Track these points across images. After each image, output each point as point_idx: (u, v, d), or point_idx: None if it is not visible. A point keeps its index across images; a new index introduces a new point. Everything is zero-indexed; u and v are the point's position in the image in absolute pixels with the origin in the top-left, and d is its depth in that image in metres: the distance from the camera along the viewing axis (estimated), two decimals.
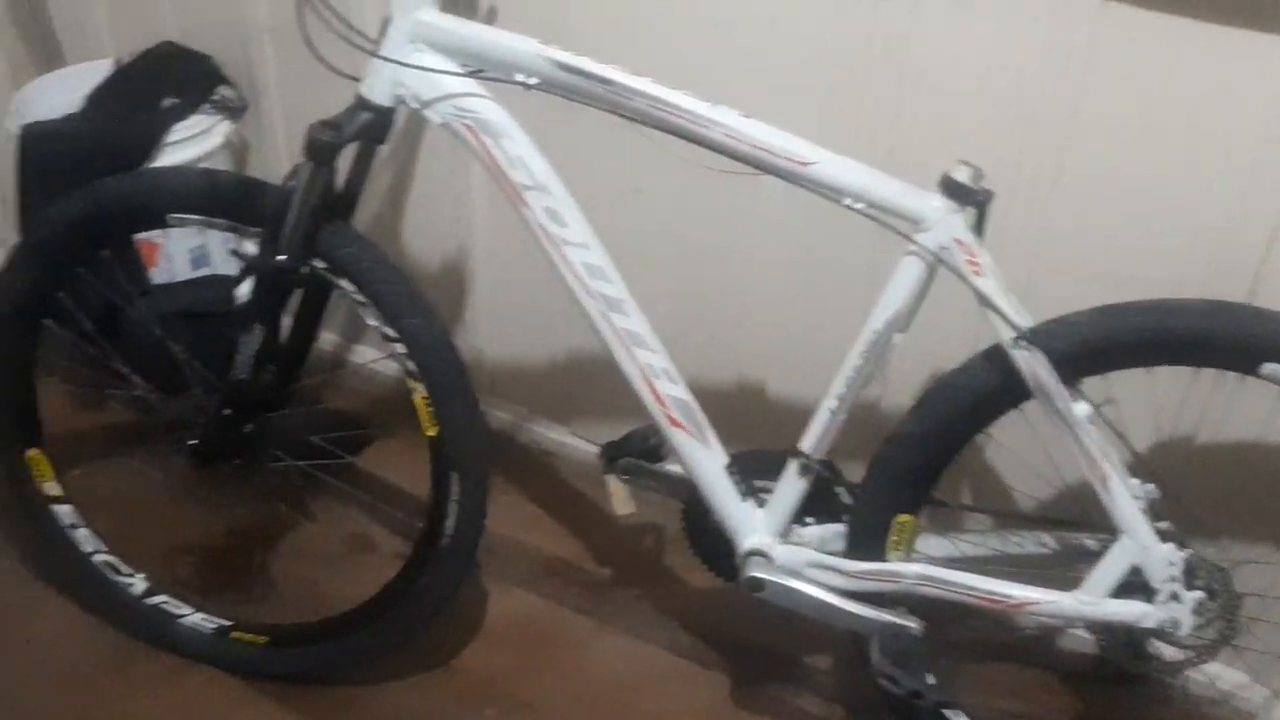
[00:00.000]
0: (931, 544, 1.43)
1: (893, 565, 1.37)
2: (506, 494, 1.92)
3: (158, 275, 1.84)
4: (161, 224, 1.40)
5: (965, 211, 1.22)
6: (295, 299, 1.43)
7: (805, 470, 1.36)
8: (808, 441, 1.36)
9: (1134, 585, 1.30)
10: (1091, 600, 1.31)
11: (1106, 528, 1.31)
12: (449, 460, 1.43)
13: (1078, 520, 1.38)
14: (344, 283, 1.38)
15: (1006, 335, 1.23)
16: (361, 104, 1.28)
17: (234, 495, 1.73)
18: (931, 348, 1.36)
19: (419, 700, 1.61)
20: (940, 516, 1.48)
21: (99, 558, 1.62)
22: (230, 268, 1.91)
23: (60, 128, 1.77)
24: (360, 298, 1.38)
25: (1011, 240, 1.35)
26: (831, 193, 1.23)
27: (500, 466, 1.80)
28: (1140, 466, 1.32)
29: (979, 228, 1.24)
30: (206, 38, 1.93)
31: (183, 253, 1.85)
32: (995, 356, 1.27)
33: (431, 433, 1.43)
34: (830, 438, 1.35)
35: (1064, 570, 1.42)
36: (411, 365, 1.40)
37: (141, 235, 1.72)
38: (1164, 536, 1.29)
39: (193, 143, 1.81)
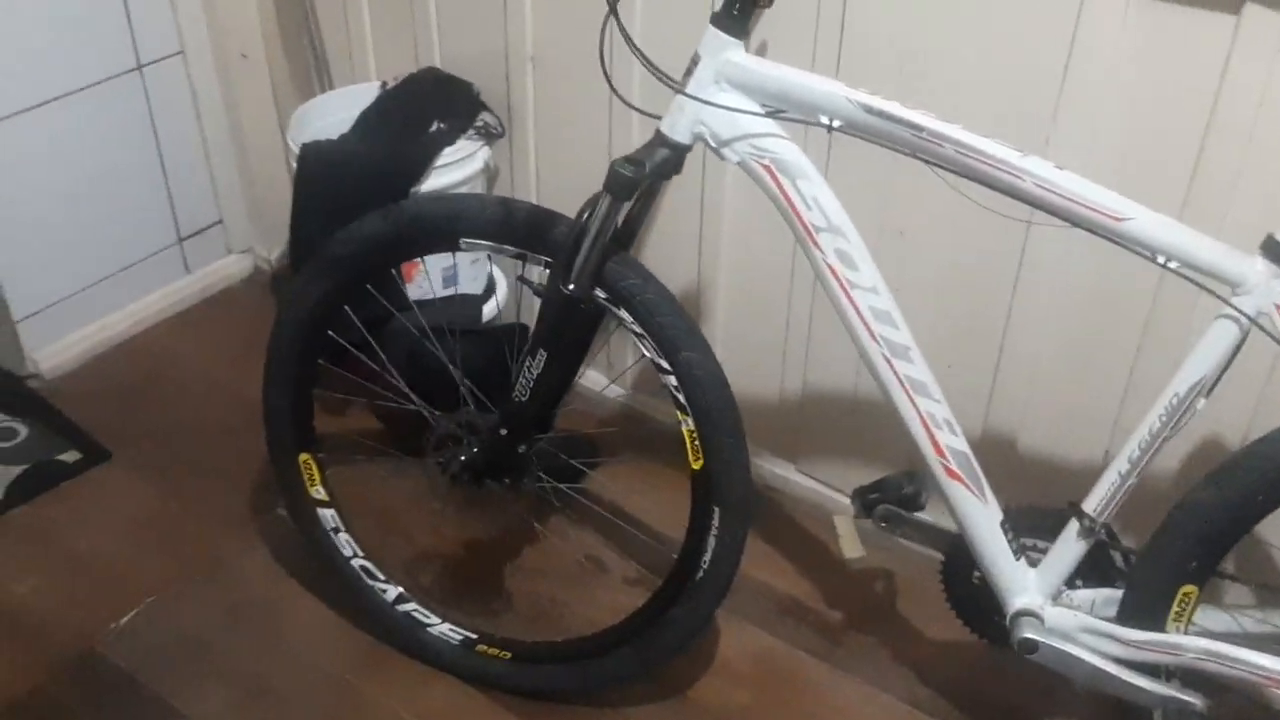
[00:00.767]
0: (1209, 617, 1.37)
1: (1176, 637, 1.31)
2: None
3: (413, 292, 1.89)
4: (455, 247, 1.44)
5: None
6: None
7: (1088, 532, 1.32)
8: (1092, 502, 1.31)
9: None
10: None
11: None
12: (713, 494, 1.43)
13: None
14: (623, 313, 1.40)
15: None
16: (661, 140, 1.30)
17: (484, 511, 1.77)
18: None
19: None
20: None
21: (357, 562, 1.68)
22: (476, 287, 1.99)
23: (338, 148, 1.85)
24: (637, 329, 1.40)
25: None
26: (1146, 250, 1.19)
27: None
28: None
29: None
30: (468, 65, 2.00)
31: (436, 272, 1.91)
32: None
33: (696, 465, 1.43)
34: (1118, 501, 1.30)
35: None
36: (681, 398, 1.41)
37: None
38: None
39: (457, 167, 1.88)
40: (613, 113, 1.85)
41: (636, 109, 1.35)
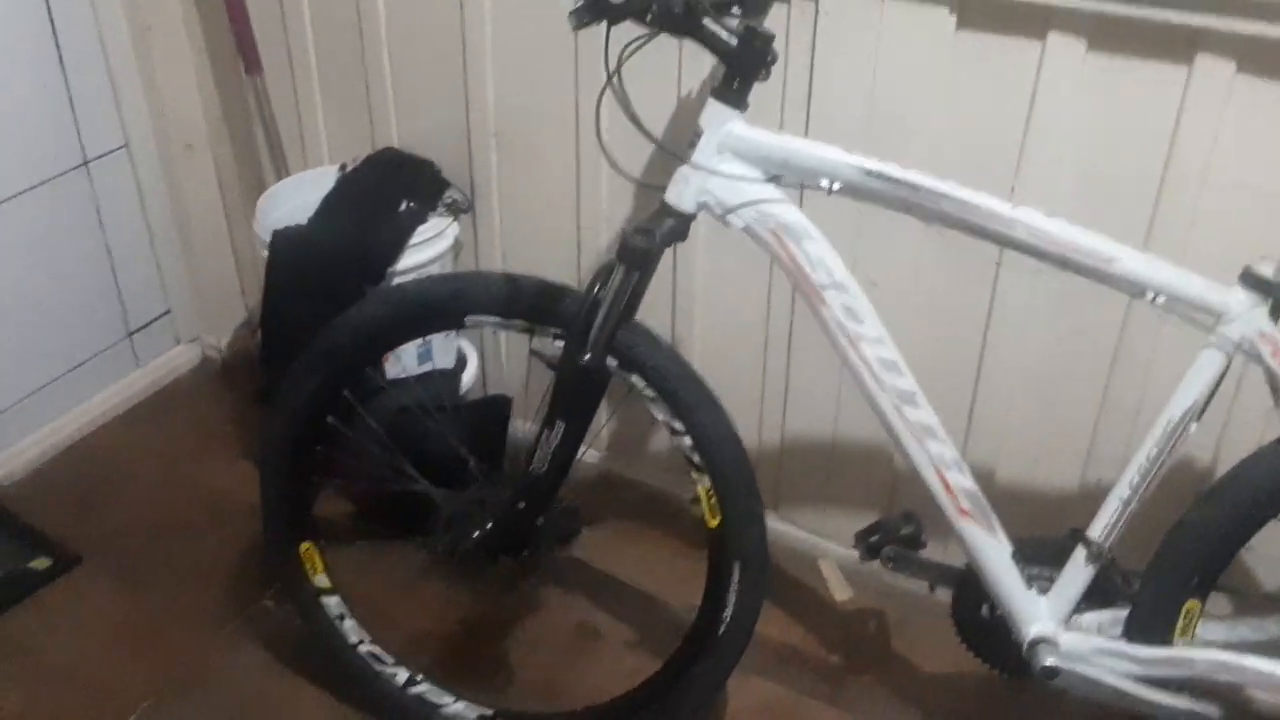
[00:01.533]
0: (1212, 629, 1.44)
1: (1186, 652, 1.38)
2: None
3: (390, 371, 1.89)
4: (460, 325, 1.46)
5: (1268, 304, 1.26)
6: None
7: (1094, 558, 1.38)
8: (1097, 528, 1.38)
9: None
10: None
11: None
12: (731, 550, 1.46)
13: None
14: (635, 378, 1.43)
15: None
16: (667, 210, 1.34)
17: (482, 586, 1.77)
18: None
19: None
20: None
21: (364, 648, 1.66)
22: (446, 362, 2.00)
23: (308, 233, 1.86)
24: (650, 393, 1.44)
25: None
26: (1134, 289, 1.27)
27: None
28: None
29: (1276, 320, 1.27)
30: (427, 142, 2.02)
31: (411, 349, 1.91)
32: None
33: (714, 523, 1.47)
34: (1121, 525, 1.37)
35: None
36: (696, 458, 1.44)
37: None
38: None
39: (428, 245, 1.89)
40: (580, 183, 1.90)
41: (647, 184, 1.39)
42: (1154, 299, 1.27)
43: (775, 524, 2.05)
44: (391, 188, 1.94)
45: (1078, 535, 1.40)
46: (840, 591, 1.97)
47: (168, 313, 2.40)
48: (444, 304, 1.46)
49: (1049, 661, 1.39)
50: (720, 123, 1.31)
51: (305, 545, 1.63)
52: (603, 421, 2.11)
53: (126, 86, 2.14)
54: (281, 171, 2.14)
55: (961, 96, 1.54)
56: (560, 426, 1.41)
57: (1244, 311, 1.26)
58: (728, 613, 1.48)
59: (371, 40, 1.97)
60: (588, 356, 1.36)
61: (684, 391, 1.42)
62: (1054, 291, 1.58)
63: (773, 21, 1.55)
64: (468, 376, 2.03)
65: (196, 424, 2.34)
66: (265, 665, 1.79)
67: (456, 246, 1.99)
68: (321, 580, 1.64)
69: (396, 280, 1.81)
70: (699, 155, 1.32)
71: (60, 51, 2.03)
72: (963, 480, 1.38)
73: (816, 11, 1.57)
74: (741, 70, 1.28)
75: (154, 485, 2.17)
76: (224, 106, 2.23)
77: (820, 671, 1.83)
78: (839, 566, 2.00)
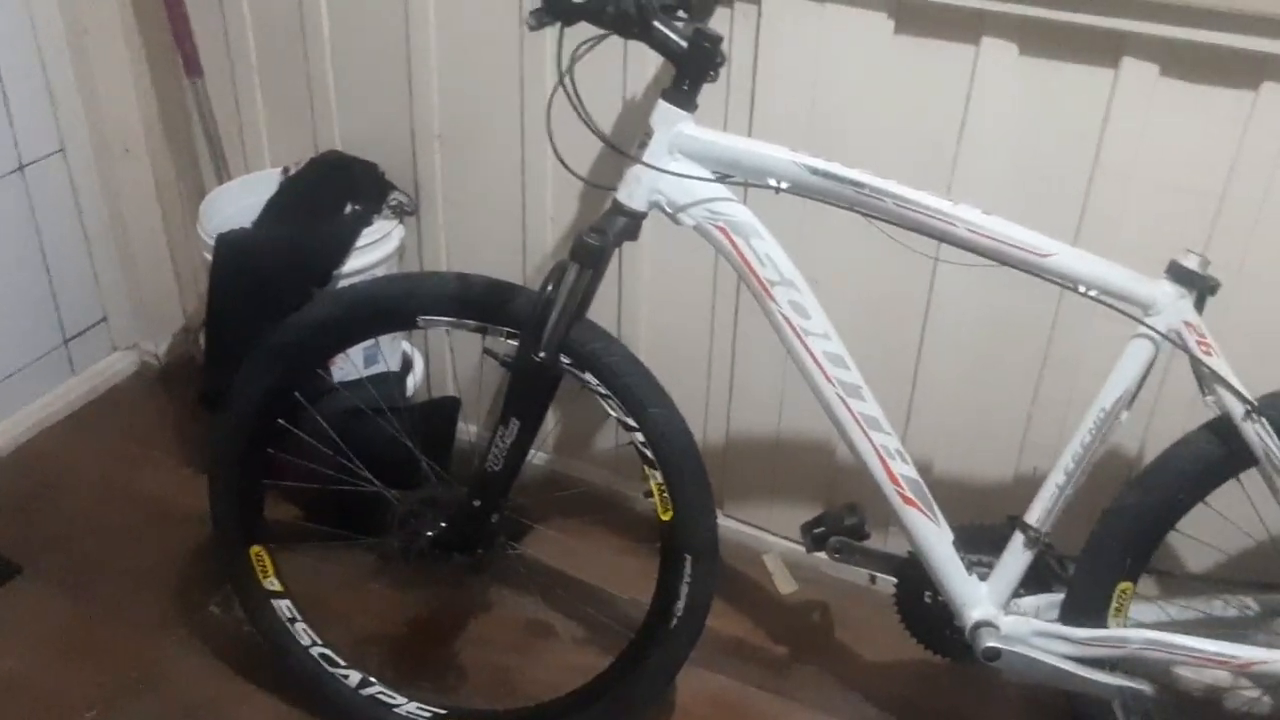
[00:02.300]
0: (1142, 610, 1.51)
1: (1121, 631, 1.44)
2: None
3: (337, 374, 1.89)
4: (412, 325, 1.47)
5: (1191, 295, 1.32)
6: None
7: (1032, 543, 1.44)
8: (1034, 515, 1.43)
9: None
10: None
11: None
12: (683, 542, 1.49)
13: None
14: (587, 376, 1.46)
15: (1237, 410, 1.32)
16: (618, 209, 1.37)
17: (434, 585, 1.77)
18: None
19: None
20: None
21: (316, 650, 1.66)
22: (393, 364, 2.00)
23: (253, 236, 1.85)
24: (603, 390, 1.46)
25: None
26: (1068, 282, 1.32)
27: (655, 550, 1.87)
28: None
29: (1199, 310, 1.33)
30: (371, 145, 2.03)
31: (359, 351, 1.92)
32: (1221, 429, 1.35)
33: (666, 517, 1.49)
34: (1056, 511, 1.42)
35: (1260, 631, 1.50)
36: (649, 453, 1.47)
37: None
38: None
39: (375, 247, 1.90)
40: (525, 184, 1.92)
41: (599, 185, 1.41)
42: (1085, 291, 1.32)
43: (720, 520, 2.06)
44: (335, 190, 1.94)
45: (1015, 522, 1.45)
46: (785, 585, 2.01)
47: (104, 319, 2.37)
48: (396, 304, 1.48)
49: (990, 643, 1.44)
50: (670, 123, 1.34)
51: (255, 548, 1.62)
52: (550, 422, 2.13)
53: (62, 90, 2.11)
54: (222, 175, 2.13)
55: (900, 98, 1.59)
56: (514, 424, 1.43)
57: (1170, 303, 1.32)
58: (680, 605, 1.51)
59: (314, 42, 1.98)
60: (542, 354, 1.39)
61: (636, 388, 1.45)
62: (988, 286, 1.63)
63: (716, 23, 1.58)
64: (413, 379, 2.04)
65: (136, 431, 2.31)
66: (213, 670, 1.78)
67: (401, 249, 2.00)
68: (272, 583, 1.64)
69: (343, 283, 1.81)
70: (650, 155, 1.34)
71: None
72: (905, 469, 1.43)
73: (759, 14, 1.61)
74: (691, 72, 1.31)
75: (94, 493, 2.14)
76: (162, 109, 2.21)
77: (767, 662, 1.86)
78: (783, 560, 2.04)
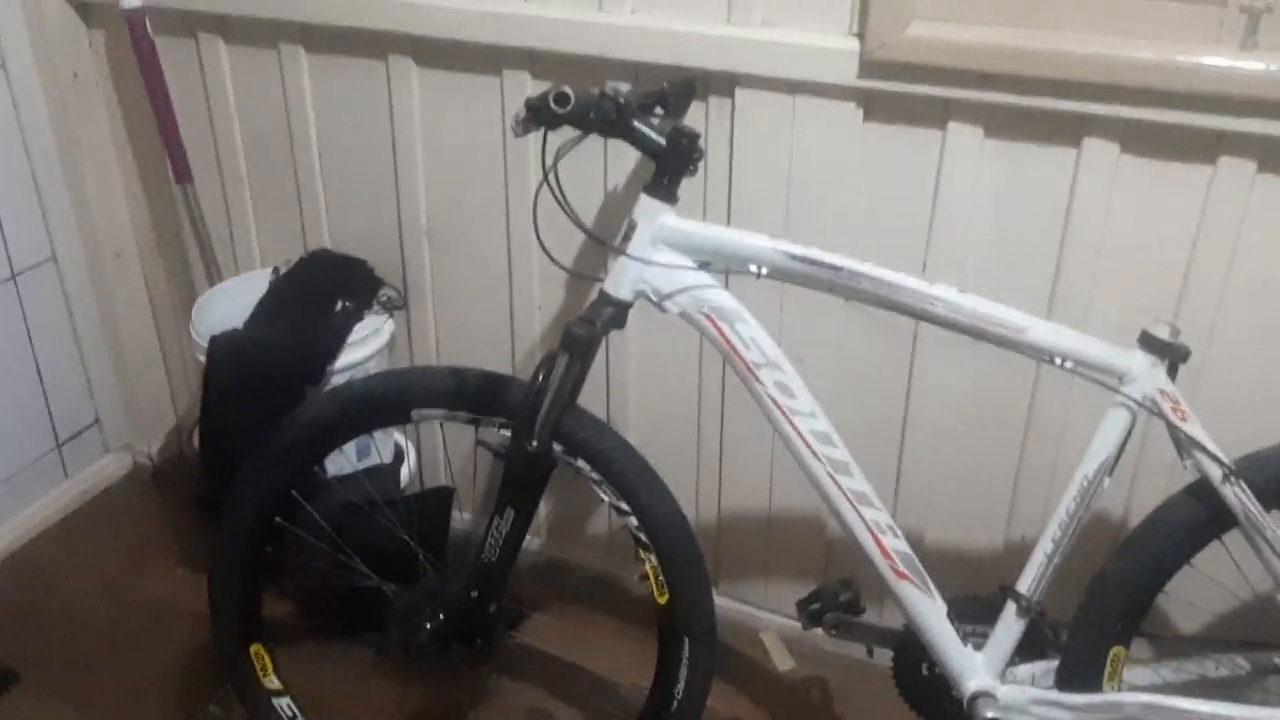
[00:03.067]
0: (1136, 674, 1.52)
1: (1117, 696, 1.46)
2: None
3: (331, 468, 1.91)
4: (406, 420, 1.50)
5: (1163, 364, 1.36)
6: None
7: (1024, 611, 1.46)
8: (1025, 583, 1.45)
9: None
10: None
11: None
12: (681, 625, 1.51)
13: (1274, 640, 1.49)
14: (580, 463, 1.48)
15: (1215, 473, 1.35)
16: (605, 299, 1.41)
17: (435, 678, 1.78)
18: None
19: None
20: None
21: None
22: (388, 456, 2.02)
23: (247, 336, 1.88)
24: (596, 476, 1.49)
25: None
26: (1044, 355, 1.37)
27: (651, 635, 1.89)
28: None
29: (1173, 378, 1.37)
30: (359, 242, 2.07)
31: (350, 446, 1.94)
32: (1201, 492, 1.39)
33: (663, 600, 1.51)
34: (1047, 579, 1.45)
35: (1253, 690, 1.52)
36: (644, 537, 1.49)
37: None
38: None
39: (365, 343, 1.93)
40: (512, 277, 1.96)
41: (583, 275, 1.45)
42: (1062, 363, 1.36)
43: (715, 599, 2.09)
44: (326, 288, 1.98)
45: (1007, 591, 1.47)
46: (783, 662, 2.02)
47: (96, 422, 2.39)
48: (390, 399, 1.51)
49: (989, 715, 1.45)
50: (653, 216, 1.38)
51: (255, 647, 1.63)
52: (543, 508, 2.14)
53: (53, 198, 2.16)
54: (214, 277, 2.17)
55: (873, 181, 1.65)
56: (510, 513, 1.45)
57: (1144, 371, 1.36)
58: (680, 688, 1.52)
59: (301, 145, 2.03)
60: (535, 444, 1.41)
61: (629, 473, 1.47)
62: (968, 360, 1.67)
63: (692, 117, 1.64)
64: (406, 469, 2.06)
65: (130, 533, 2.32)
66: None
67: (391, 342, 2.03)
68: (272, 682, 1.65)
69: (335, 378, 1.84)
70: (634, 247, 1.39)
71: None
72: (897, 544, 1.45)
73: (733, 109, 1.67)
74: (670, 167, 1.37)
75: (90, 597, 2.14)
76: (153, 214, 2.26)
77: None
78: (780, 637, 2.05)
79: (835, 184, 1.66)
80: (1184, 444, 1.37)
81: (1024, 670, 1.52)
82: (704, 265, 1.41)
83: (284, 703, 1.65)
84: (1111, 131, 1.50)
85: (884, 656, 1.60)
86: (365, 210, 2.05)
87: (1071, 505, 1.41)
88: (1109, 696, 1.45)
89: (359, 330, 1.92)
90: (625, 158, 1.76)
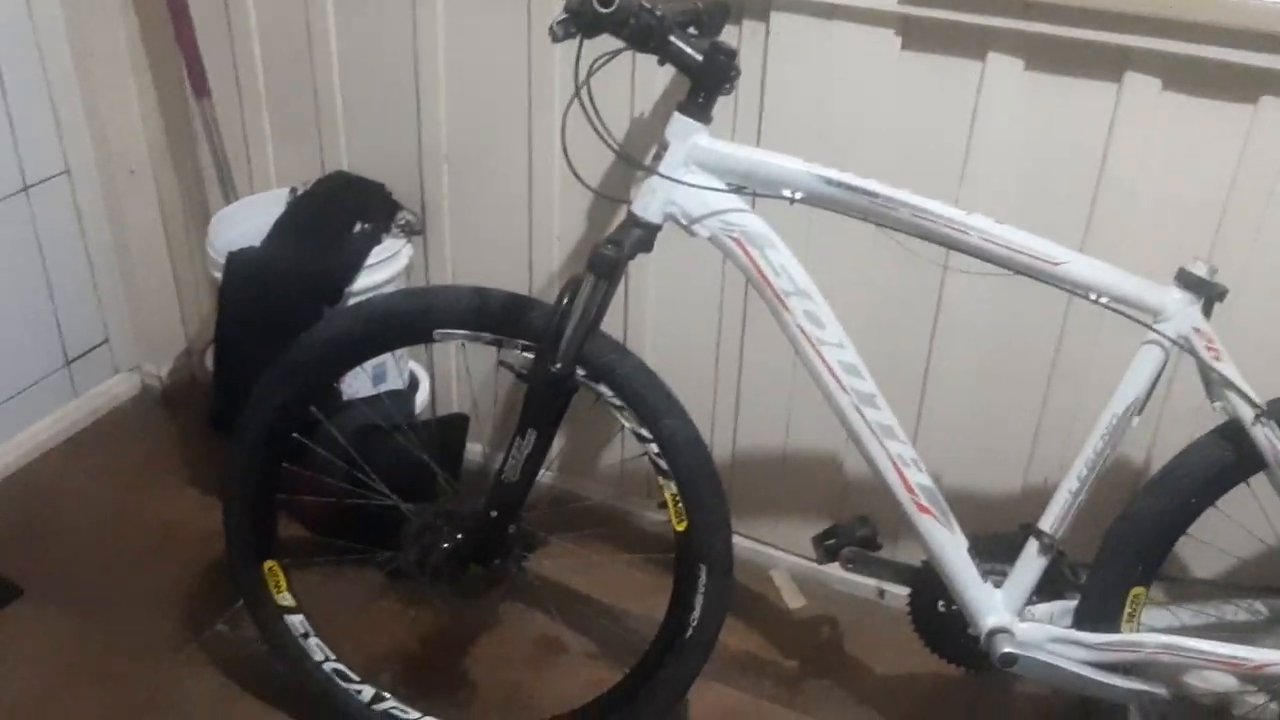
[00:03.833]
0: (1154, 615, 1.52)
1: (1135, 636, 1.45)
2: None
3: (345, 391, 1.90)
4: (428, 339, 1.48)
5: (1200, 302, 1.34)
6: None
7: (1046, 549, 1.45)
8: (1048, 521, 1.44)
9: None
10: None
11: None
12: (698, 553, 1.50)
13: None
14: (602, 388, 1.47)
15: (1247, 414, 1.34)
16: (634, 221, 1.38)
17: (446, 599, 1.76)
18: None
19: None
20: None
21: (329, 665, 1.66)
22: (401, 382, 2.01)
23: (264, 255, 1.86)
24: (617, 401, 1.47)
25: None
26: (1080, 289, 1.34)
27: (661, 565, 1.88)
28: None
29: (1207, 317, 1.35)
30: (377, 166, 2.04)
31: (367, 370, 1.92)
32: (1230, 434, 1.37)
33: (680, 528, 1.50)
34: (1070, 518, 1.43)
35: (1270, 635, 1.52)
36: (664, 464, 1.48)
37: None
38: None
39: (383, 266, 1.91)
40: (532, 202, 1.93)
41: (597, 192, 1.43)
42: (1097, 299, 1.34)
43: None
44: (344, 210, 1.95)
45: (1029, 529, 1.46)
46: (793, 599, 2.02)
47: (106, 341, 2.37)
48: (413, 318, 1.48)
49: (1007, 649, 1.45)
50: (685, 135, 1.35)
51: (269, 563, 1.62)
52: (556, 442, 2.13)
53: (68, 111, 2.12)
54: (229, 195, 2.14)
55: (907, 112, 1.61)
56: (531, 435, 1.43)
57: (1180, 309, 1.34)
58: (695, 616, 1.51)
59: (322, 63, 1.99)
60: (558, 366, 1.39)
61: (651, 398, 1.46)
62: (997, 295, 1.65)
63: (729, 40, 1.60)
64: (420, 396, 2.05)
65: (138, 452, 2.30)
66: (223, 690, 1.77)
67: (409, 267, 2.01)
68: (285, 599, 1.64)
69: (352, 301, 1.82)
70: (665, 167, 1.36)
71: (0, 75, 2.00)
72: (920, 478, 1.44)
73: (767, 32, 1.64)
74: (706, 85, 1.33)
75: (97, 514, 2.13)
76: (168, 130, 2.23)
77: (779, 677, 1.86)
78: (790, 575, 2.05)
79: (869, 113, 1.63)
80: (1216, 384, 1.36)
81: (1042, 609, 1.51)
82: (736, 189, 1.39)
83: (296, 620, 1.65)
84: (1154, 66, 1.47)
85: (895, 597, 1.60)
86: (385, 133, 2.01)
87: (1099, 444, 1.40)
88: (1128, 636, 1.45)
89: (377, 253, 1.90)
90: (653, 80, 1.72)
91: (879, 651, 1.90)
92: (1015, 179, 1.60)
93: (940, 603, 1.54)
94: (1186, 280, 1.34)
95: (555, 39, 1.28)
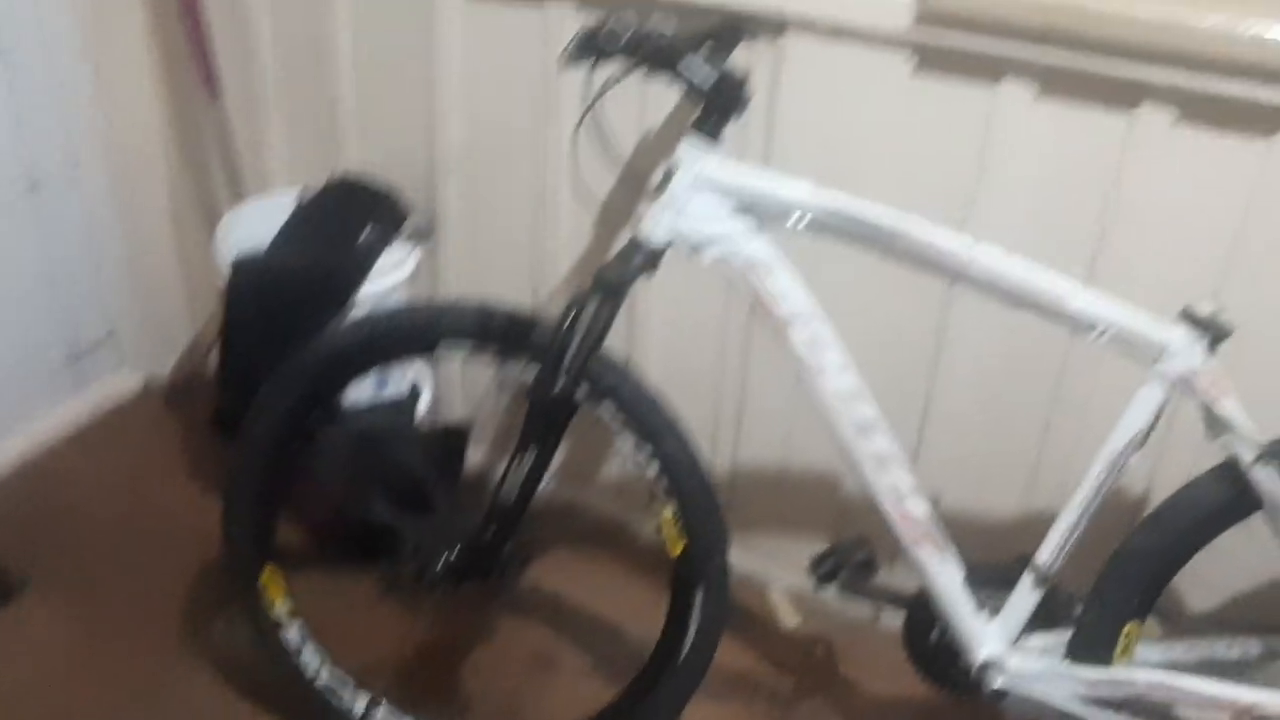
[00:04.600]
0: (1148, 650, 1.51)
1: (1128, 672, 1.45)
2: None
3: (348, 398, 1.90)
4: (433, 350, 1.48)
5: (1205, 340, 1.33)
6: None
7: (1042, 581, 1.45)
8: (1045, 553, 1.44)
9: None
10: None
11: None
12: (695, 575, 1.50)
13: None
14: (603, 408, 1.47)
15: (1247, 455, 1.33)
16: (639, 243, 1.38)
17: (441, 611, 1.78)
18: None
19: None
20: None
21: (324, 672, 1.66)
22: (403, 390, 2.01)
23: (272, 258, 1.86)
24: (619, 421, 1.47)
25: None
26: (1080, 323, 1.34)
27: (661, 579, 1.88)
28: None
29: (1211, 355, 1.35)
30: (387, 171, 2.04)
31: (369, 378, 1.92)
32: (1228, 473, 1.37)
33: (677, 549, 1.50)
34: (1067, 550, 1.43)
35: (1263, 672, 1.51)
36: (664, 484, 1.48)
37: None
38: None
39: (392, 271, 1.90)
40: (540, 216, 1.93)
41: (602, 210, 1.42)
42: (1100, 334, 1.34)
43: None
44: (353, 215, 1.95)
45: (1025, 561, 1.46)
46: (789, 618, 2.02)
47: (111, 336, 2.37)
48: (419, 330, 1.49)
49: (998, 683, 1.45)
50: (694, 159, 1.35)
51: (268, 568, 1.62)
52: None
53: (78, 107, 2.12)
54: (239, 195, 2.14)
55: (918, 137, 1.61)
56: (531, 453, 1.44)
57: (1183, 347, 1.33)
58: (689, 638, 1.51)
59: (335, 65, 1.99)
60: (560, 386, 1.40)
61: (651, 419, 1.46)
62: (1000, 325, 1.64)
63: (739, 62, 1.60)
64: (422, 406, 2.04)
65: (142, 449, 2.31)
66: (221, 689, 1.78)
67: (414, 274, 2.01)
68: (282, 605, 1.64)
69: (358, 306, 1.82)
70: (672, 190, 1.36)
71: (10, 71, 2.01)
72: (918, 507, 1.44)
73: (778, 54, 1.63)
74: (718, 108, 1.34)
75: (101, 510, 2.14)
76: (180, 127, 2.23)
77: (772, 696, 1.86)
78: (787, 594, 2.05)
79: (879, 137, 1.63)
80: (1216, 423, 1.35)
81: (1036, 640, 1.51)
82: (742, 212, 1.39)
83: (292, 626, 1.65)
84: (1168, 99, 1.47)
85: (890, 619, 1.60)
86: (397, 138, 2.01)
87: (1098, 478, 1.40)
88: (1120, 671, 1.44)
89: (384, 259, 1.89)
90: (662, 103, 1.72)
91: (873, 673, 1.90)
92: (1025, 207, 1.59)
93: (935, 630, 1.54)
94: (1191, 318, 1.33)
95: (567, 63, 1.29)
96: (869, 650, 1.93)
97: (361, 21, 1.95)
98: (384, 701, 1.68)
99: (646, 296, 1.90)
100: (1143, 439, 1.38)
